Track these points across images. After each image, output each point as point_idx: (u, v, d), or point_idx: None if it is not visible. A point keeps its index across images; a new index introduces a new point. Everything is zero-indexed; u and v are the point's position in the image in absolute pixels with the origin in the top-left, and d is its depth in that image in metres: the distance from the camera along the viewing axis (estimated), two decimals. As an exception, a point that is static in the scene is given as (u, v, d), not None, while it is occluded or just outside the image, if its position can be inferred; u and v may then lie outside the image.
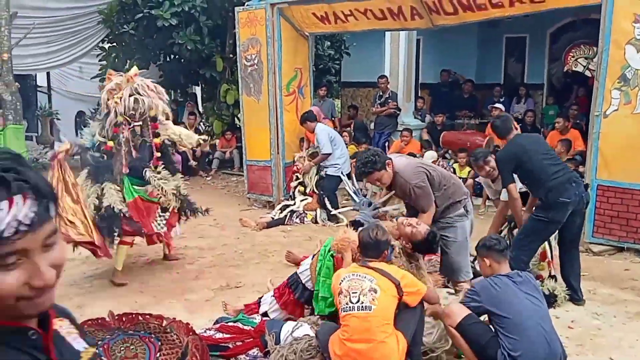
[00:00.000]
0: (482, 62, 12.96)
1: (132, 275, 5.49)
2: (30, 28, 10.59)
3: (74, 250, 4.91)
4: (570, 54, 9.52)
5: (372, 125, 11.24)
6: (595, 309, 4.61)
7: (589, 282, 5.12)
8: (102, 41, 11.95)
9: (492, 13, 6.70)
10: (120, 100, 5.07)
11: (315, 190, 7.73)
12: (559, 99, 11.66)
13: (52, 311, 1.05)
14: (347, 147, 8.40)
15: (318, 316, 3.94)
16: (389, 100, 10.26)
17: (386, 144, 10.14)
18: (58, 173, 4.79)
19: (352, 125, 11.50)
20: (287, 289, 4.20)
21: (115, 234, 5.03)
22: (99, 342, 3.11)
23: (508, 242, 4.63)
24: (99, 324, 3.34)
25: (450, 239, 4.51)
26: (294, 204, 7.74)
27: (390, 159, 4.42)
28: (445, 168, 7.85)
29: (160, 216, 5.38)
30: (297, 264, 4.95)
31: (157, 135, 5.28)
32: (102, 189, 5.03)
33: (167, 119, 5.47)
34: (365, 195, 4.84)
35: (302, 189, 7.86)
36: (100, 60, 11.84)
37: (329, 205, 7.30)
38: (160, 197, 5.22)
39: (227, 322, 3.98)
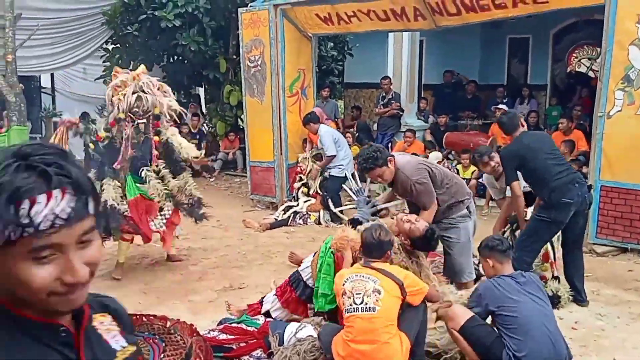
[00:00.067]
0: (486, 63, 12.95)
1: (136, 277, 5.50)
2: (35, 29, 10.61)
3: None
4: (574, 54, 9.49)
5: (375, 126, 11.24)
6: (598, 309, 4.61)
7: (593, 283, 5.11)
8: (106, 42, 11.97)
9: (495, 14, 6.70)
10: (124, 97, 5.12)
11: (319, 191, 7.74)
12: (562, 100, 11.64)
13: (87, 308, 1.04)
14: (350, 148, 8.41)
15: (321, 317, 3.95)
16: (392, 101, 10.26)
17: (389, 144, 10.12)
18: (59, 139, 4.85)
19: (355, 126, 11.51)
20: (288, 287, 4.21)
21: (112, 231, 5.09)
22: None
23: (510, 243, 4.62)
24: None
25: (453, 240, 4.51)
26: (297, 205, 7.75)
27: (392, 155, 4.42)
28: (449, 169, 7.85)
29: (161, 215, 5.40)
30: (300, 264, 4.96)
31: (157, 133, 5.31)
32: (102, 185, 5.07)
33: (179, 117, 5.50)
34: (368, 197, 4.83)
35: (305, 190, 7.87)
36: (104, 62, 11.87)
37: (332, 207, 7.30)
38: (155, 196, 5.25)
39: (230, 323, 3.99)
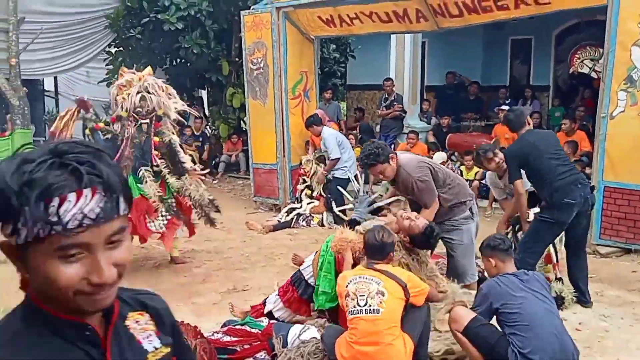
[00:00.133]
0: (488, 64, 12.94)
1: (139, 279, 5.51)
2: (38, 33, 10.65)
3: None
4: (576, 55, 9.48)
5: (377, 128, 11.25)
6: (602, 311, 4.60)
7: (596, 284, 5.10)
8: (109, 45, 12.02)
9: (497, 15, 6.71)
10: (128, 96, 5.16)
11: (323, 193, 7.74)
12: (564, 101, 11.63)
13: (117, 307, 1.04)
14: (353, 150, 8.41)
15: (325, 319, 3.96)
16: (395, 103, 10.26)
17: (392, 146, 10.13)
18: (69, 117, 4.90)
19: (358, 128, 11.51)
20: (290, 287, 4.21)
21: None
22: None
23: (513, 245, 4.62)
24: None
25: (456, 242, 4.50)
26: (301, 207, 7.76)
27: (394, 153, 4.43)
28: (453, 171, 7.85)
29: (162, 215, 5.42)
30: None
31: (157, 134, 5.34)
32: None
33: (183, 118, 5.53)
34: (367, 193, 4.84)
35: (309, 192, 7.88)
36: (107, 65, 11.91)
37: (335, 208, 7.31)
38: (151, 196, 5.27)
39: (234, 325, 4.00)
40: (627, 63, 5.64)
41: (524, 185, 4.69)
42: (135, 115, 5.19)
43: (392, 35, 10.34)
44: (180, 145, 5.57)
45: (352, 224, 4.28)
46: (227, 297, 4.96)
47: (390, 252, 3.54)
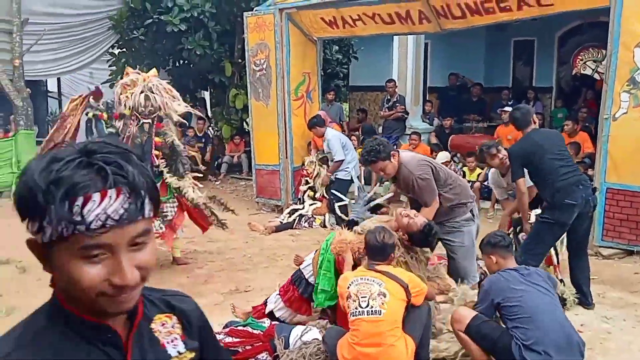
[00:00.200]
0: (491, 65, 12.95)
1: (142, 280, 5.52)
2: (41, 34, 10.69)
3: None
4: (579, 57, 9.49)
5: (380, 129, 11.25)
6: (604, 312, 4.59)
7: (599, 285, 5.10)
8: (112, 47, 12.05)
9: (500, 17, 6.72)
10: (132, 95, 5.21)
11: (325, 195, 7.75)
12: (567, 102, 11.63)
13: (141, 309, 1.03)
14: (355, 151, 8.42)
15: (327, 320, 3.96)
16: (397, 104, 10.27)
17: (394, 147, 10.13)
18: (78, 104, 4.95)
19: (360, 129, 11.52)
20: (291, 286, 4.22)
21: None
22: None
23: (514, 246, 4.62)
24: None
25: (456, 244, 4.50)
26: (303, 208, 7.76)
27: (396, 150, 4.44)
28: (456, 172, 7.84)
29: (162, 215, 5.44)
30: (303, 264, 4.98)
31: (158, 134, 5.37)
32: None
33: (185, 120, 5.57)
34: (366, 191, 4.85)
35: (311, 193, 7.88)
36: (110, 66, 11.94)
37: (337, 210, 7.32)
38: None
39: (236, 326, 4.01)
40: (630, 64, 5.64)
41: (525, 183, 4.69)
42: (138, 115, 5.23)
43: (394, 37, 10.35)
44: (183, 147, 5.60)
45: (351, 224, 4.29)
46: (229, 298, 4.97)
47: (391, 253, 3.55)
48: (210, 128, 12.26)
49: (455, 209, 4.45)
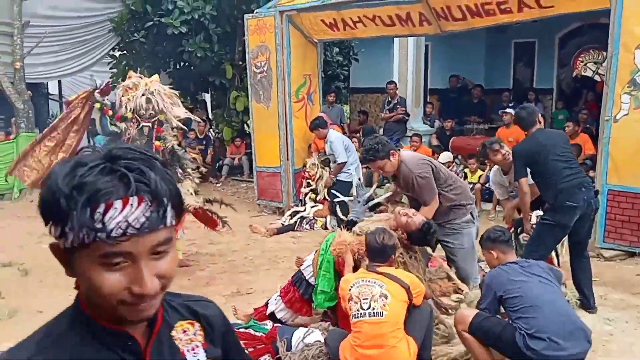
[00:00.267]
0: (491, 67, 12.96)
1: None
2: (42, 37, 10.71)
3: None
4: (579, 58, 9.50)
5: (381, 131, 11.25)
6: (606, 314, 4.59)
7: (600, 287, 5.09)
8: (113, 49, 12.07)
9: (500, 19, 6.72)
10: (133, 98, 5.26)
11: (327, 197, 7.75)
12: (568, 104, 11.63)
13: (161, 317, 1.03)
14: (357, 153, 8.43)
15: (329, 322, 3.96)
16: (398, 106, 10.28)
17: (395, 149, 10.13)
18: (83, 97, 5.03)
19: (361, 131, 11.52)
20: (292, 287, 4.22)
21: None
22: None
23: (514, 248, 4.62)
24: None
25: (456, 246, 4.50)
26: (304, 210, 7.77)
27: (396, 149, 4.45)
28: (457, 173, 7.86)
29: None
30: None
31: (159, 138, 5.40)
32: None
33: (185, 125, 5.61)
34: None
35: (313, 196, 7.88)
36: (111, 68, 11.96)
37: (339, 212, 7.32)
38: None
39: (238, 329, 4.00)
40: (631, 66, 5.64)
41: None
42: (138, 118, 5.26)
43: (395, 39, 10.37)
44: (184, 150, 5.64)
45: (350, 225, 4.29)
46: (231, 300, 4.97)
47: (392, 254, 3.55)
48: (211, 130, 12.28)
49: (455, 210, 4.45)
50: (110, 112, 5.44)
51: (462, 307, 3.78)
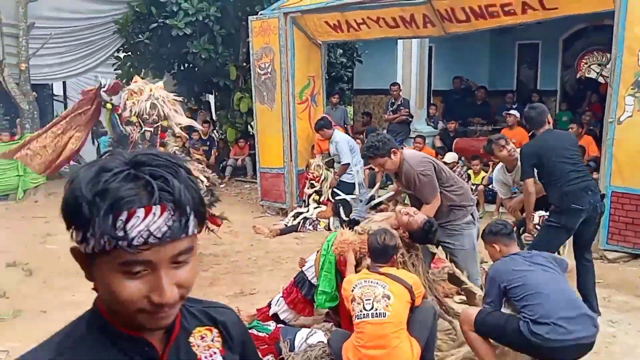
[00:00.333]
0: (495, 68, 12.95)
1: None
2: (47, 38, 10.76)
3: None
4: (583, 60, 9.50)
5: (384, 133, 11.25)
6: (610, 316, 4.58)
7: (604, 289, 5.08)
8: (118, 50, 12.11)
9: (504, 20, 6.72)
10: (138, 102, 5.31)
11: (331, 198, 7.76)
12: (572, 105, 11.61)
13: (178, 324, 1.03)
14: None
15: (332, 323, 3.97)
16: (401, 108, 10.28)
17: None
18: (90, 95, 5.13)
19: (364, 132, 11.52)
20: (294, 288, 4.23)
21: None
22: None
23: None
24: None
25: (457, 247, 4.50)
26: (308, 211, 7.78)
27: (398, 147, 4.45)
28: (461, 175, 7.86)
29: None
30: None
31: (162, 144, 5.44)
32: None
33: (186, 133, 5.69)
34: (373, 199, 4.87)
35: (317, 197, 7.89)
36: (115, 70, 12.00)
37: (342, 213, 7.33)
38: None
39: (241, 329, 4.01)
40: (635, 68, 5.64)
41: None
42: (142, 122, 5.31)
43: (399, 40, 10.36)
44: (189, 154, 5.69)
45: (352, 224, 4.31)
46: (234, 301, 4.98)
47: (394, 254, 3.56)
48: (215, 131, 12.31)
49: (456, 211, 4.45)
50: (120, 112, 5.52)
51: (466, 307, 3.78)
